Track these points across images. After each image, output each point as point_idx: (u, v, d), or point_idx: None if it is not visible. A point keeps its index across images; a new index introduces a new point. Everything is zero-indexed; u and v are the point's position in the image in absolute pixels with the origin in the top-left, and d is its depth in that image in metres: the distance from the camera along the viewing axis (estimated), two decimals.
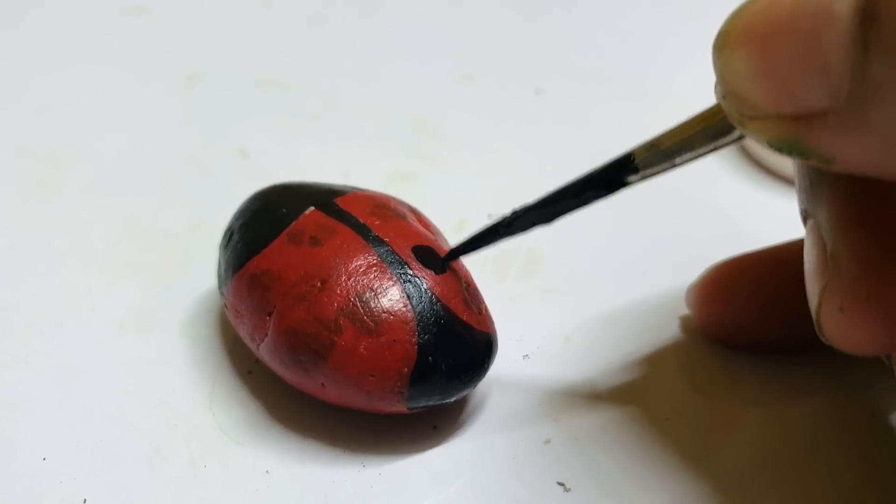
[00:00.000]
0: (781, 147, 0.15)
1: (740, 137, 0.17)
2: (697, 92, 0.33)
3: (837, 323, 0.16)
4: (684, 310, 0.24)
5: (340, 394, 0.20)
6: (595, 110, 0.33)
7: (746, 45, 0.14)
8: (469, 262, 0.22)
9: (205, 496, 0.20)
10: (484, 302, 0.21)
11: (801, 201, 0.18)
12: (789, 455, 0.20)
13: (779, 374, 0.22)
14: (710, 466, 0.20)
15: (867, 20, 0.13)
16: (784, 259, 0.21)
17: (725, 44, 0.15)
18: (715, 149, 0.17)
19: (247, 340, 0.21)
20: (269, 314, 0.20)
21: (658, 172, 0.18)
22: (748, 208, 0.28)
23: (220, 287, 0.22)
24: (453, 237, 0.23)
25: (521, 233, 0.20)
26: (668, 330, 0.24)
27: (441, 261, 0.21)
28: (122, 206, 0.28)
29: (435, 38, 0.37)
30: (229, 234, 0.22)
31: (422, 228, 0.22)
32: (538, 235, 0.26)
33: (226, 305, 0.22)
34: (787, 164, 0.28)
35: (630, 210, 0.27)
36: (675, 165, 0.18)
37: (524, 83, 0.34)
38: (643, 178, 0.18)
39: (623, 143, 0.31)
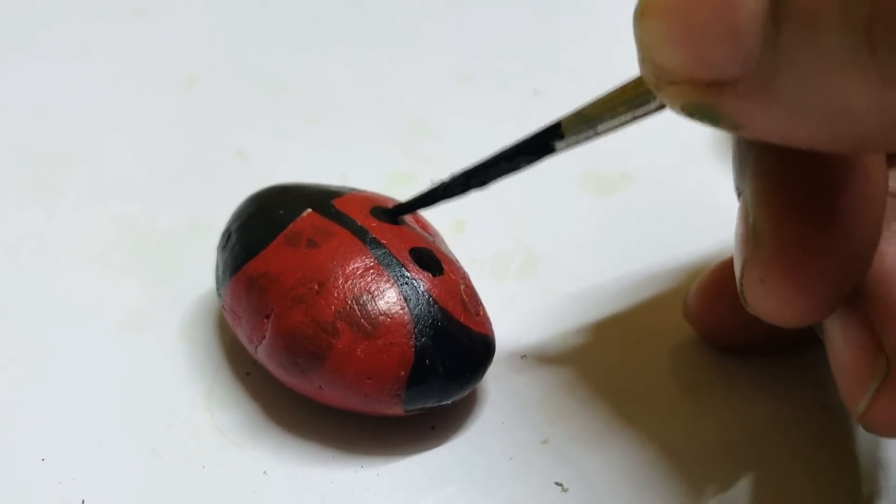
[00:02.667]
0: (693, 112, 0.15)
1: (658, 108, 0.17)
2: None
3: (759, 294, 0.17)
4: (682, 312, 0.24)
5: (338, 396, 0.20)
6: None
7: (665, 13, 0.15)
8: (467, 263, 0.22)
9: (203, 497, 0.20)
10: (482, 303, 0.21)
11: (734, 180, 0.19)
12: (786, 456, 0.21)
13: (774, 376, 0.22)
14: (706, 468, 0.20)
15: None
16: None
17: (645, 11, 0.15)
18: (636, 117, 0.18)
19: (245, 342, 0.21)
20: (267, 317, 0.20)
21: (582, 140, 0.19)
22: None
23: (218, 289, 0.22)
24: (452, 238, 0.23)
25: (459, 195, 0.22)
26: (665, 331, 0.24)
27: (390, 216, 0.22)
28: (121, 207, 0.28)
29: (433, 39, 0.37)
30: (227, 236, 0.22)
31: (419, 230, 0.22)
32: (535, 235, 0.27)
33: (224, 307, 0.22)
34: None
35: (629, 211, 0.28)
36: (598, 133, 0.19)
37: (523, 84, 0.34)
38: (568, 144, 0.20)
39: (621, 144, 0.31)
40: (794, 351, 0.22)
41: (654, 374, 0.22)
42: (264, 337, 0.20)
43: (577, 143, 0.19)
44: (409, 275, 0.20)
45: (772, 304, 0.17)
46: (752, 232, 0.17)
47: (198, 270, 0.25)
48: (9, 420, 0.21)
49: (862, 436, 0.21)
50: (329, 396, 0.20)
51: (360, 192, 0.23)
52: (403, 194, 0.24)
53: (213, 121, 0.32)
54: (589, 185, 0.29)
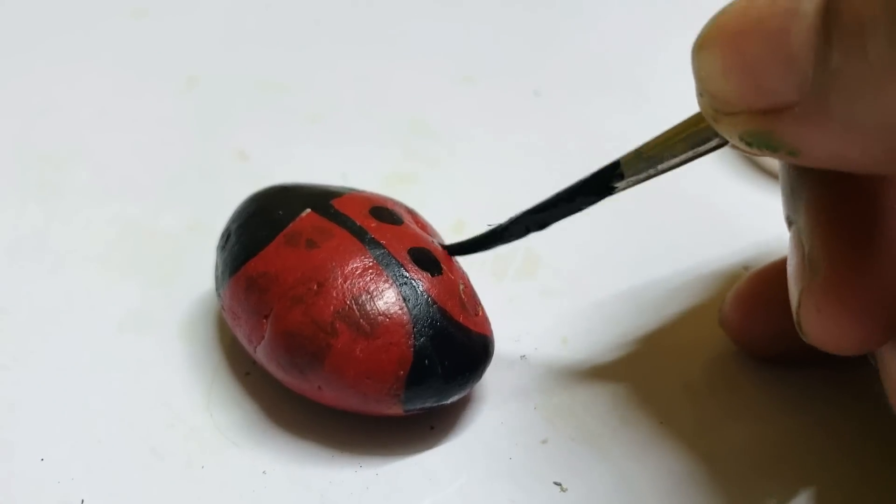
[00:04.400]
0: (752, 141, 0.16)
1: (719, 145, 0.18)
2: (694, 94, 0.33)
3: (816, 323, 0.17)
4: (682, 311, 0.24)
5: (337, 396, 0.20)
6: (594, 112, 0.33)
7: (721, 45, 0.15)
8: (467, 263, 0.22)
9: (202, 497, 0.20)
10: (481, 303, 0.21)
11: (784, 207, 0.19)
12: (785, 462, 0.20)
13: (778, 383, 0.22)
14: (705, 469, 0.20)
15: (829, 15, 0.14)
16: None
17: (702, 45, 0.16)
18: (696, 156, 0.18)
19: (244, 343, 0.21)
20: (266, 317, 0.20)
21: (643, 179, 0.19)
22: (747, 210, 0.28)
23: (217, 289, 0.22)
24: (451, 238, 0.23)
25: (517, 238, 0.21)
26: (665, 332, 0.24)
27: (439, 258, 0.21)
28: (121, 207, 0.28)
29: (434, 40, 0.37)
30: (226, 236, 0.22)
31: (419, 230, 0.22)
32: (536, 237, 0.27)
33: (223, 307, 0.22)
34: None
35: (628, 211, 0.28)
36: (659, 172, 0.19)
37: (523, 85, 0.34)
38: (629, 184, 0.20)
39: (622, 145, 0.31)
40: (829, 360, 0.22)
41: (652, 375, 0.22)
42: (263, 337, 0.20)
43: (638, 182, 0.19)
44: (408, 275, 0.20)
45: (829, 333, 0.17)
46: (808, 261, 0.17)
47: (197, 271, 0.25)
48: (8, 419, 0.21)
49: (879, 444, 0.21)
50: (328, 396, 0.20)
51: (359, 192, 0.23)
52: (403, 194, 0.24)
53: (213, 121, 0.32)
54: None
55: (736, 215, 0.28)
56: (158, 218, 0.27)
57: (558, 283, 0.25)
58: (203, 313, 0.24)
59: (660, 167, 0.19)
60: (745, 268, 0.25)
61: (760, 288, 0.22)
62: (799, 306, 0.17)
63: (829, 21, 0.14)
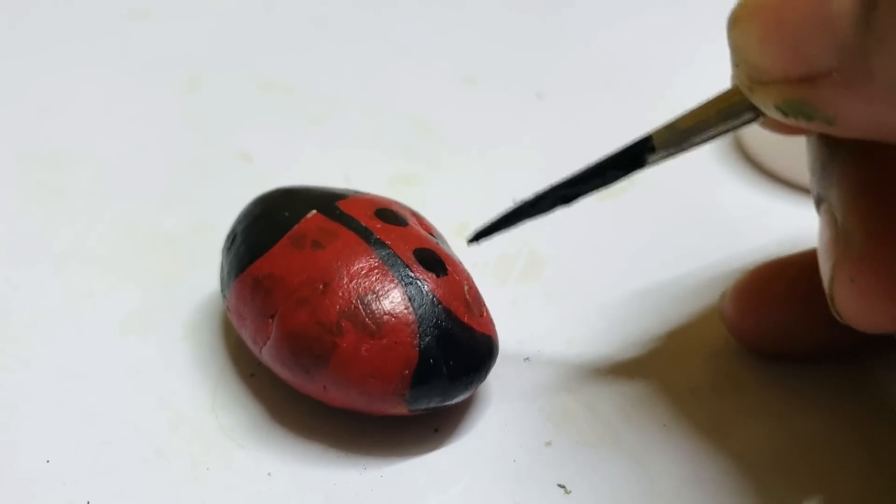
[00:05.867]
0: (788, 110, 0.15)
1: (752, 118, 0.18)
2: (699, 96, 0.33)
3: (849, 295, 0.17)
4: (685, 313, 0.24)
5: (342, 396, 0.20)
6: (596, 114, 0.33)
7: (758, 15, 0.15)
8: (470, 264, 0.22)
9: (207, 498, 0.20)
10: (485, 304, 0.21)
11: (813, 187, 0.19)
12: (792, 462, 0.20)
13: (785, 383, 0.22)
14: (710, 471, 0.20)
15: None
16: (817, 262, 0.21)
17: (739, 17, 0.16)
18: (729, 129, 0.18)
19: (249, 344, 0.21)
20: (272, 317, 0.20)
21: (675, 153, 0.19)
22: (748, 210, 0.28)
23: (222, 290, 0.22)
24: (454, 240, 0.23)
25: (543, 213, 0.21)
26: (669, 334, 0.24)
27: (468, 240, 0.21)
28: (124, 208, 0.28)
29: (436, 41, 0.37)
30: (232, 238, 0.22)
31: (423, 231, 0.22)
32: (540, 238, 0.27)
33: (228, 308, 0.22)
34: (785, 166, 0.28)
35: (631, 213, 0.28)
36: (691, 145, 0.19)
37: (526, 86, 0.34)
38: (661, 157, 0.19)
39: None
40: (833, 356, 0.22)
41: (657, 376, 0.22)
42: (269, 338, 0.20)
43: (669, 155, 0.19)
44: (413, 275, 0.20)
45: (862, 306, 0.17)
46: (843, 233, 0.17)
47: (201, 272, 0.25)
48: (13, 421, 0.21)
49: (885, 444, 0.21)
50: (333, 397, 0.20)
51: (364, 194, 0.23)
52: (406, 196, 0.24)
53: (216, 123, 0.32)
54: None
55: (738, 217, 0.28)
56: (161, 219, 0.27)
57: (562, 285, 0.25)
58: (208, 314, 0.24)
59: (692, 140, 0.19)
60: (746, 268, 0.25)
61: (760, 283, 0.22)
62: (832, 281, 0.17)
63: None
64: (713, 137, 0.18)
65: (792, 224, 0.27)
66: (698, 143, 0.19)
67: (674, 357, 0.23)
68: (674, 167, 0.30)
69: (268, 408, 0.21)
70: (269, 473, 0.20)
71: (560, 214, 0.28)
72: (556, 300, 0.25)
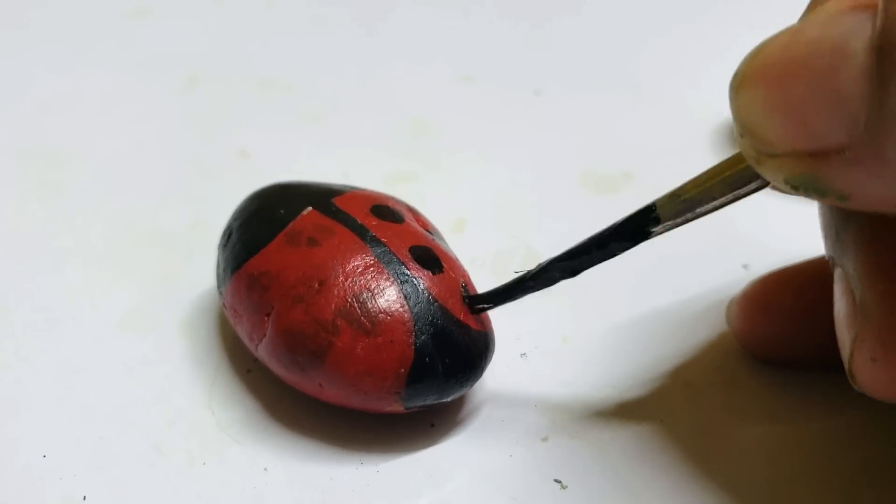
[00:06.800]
0: (798, 185, 0.15)
1: (760, 186, 0.17)
2: (696, 95, 0.33)
3: (870, 373, 0.16)
4: (682, 310, 0.24)
5: (338, 394, 0.20)
6: (594, 112, 0.33)
7: (763, 83, 0.15)
8: (467, 261, 0.22)
9: (203, 493, 0.20)
10: None
11: (827, 249, 0.18)
12: (786, 462, 0.21)
13: (779, 383, 0.22)
14: (704, 468, 0.20)
15: (882, 55, 0.13)
16: (826, 271, 0.21)
17: (742, 83, 0.15)
18: (736, 198, 0.17)
19: (245, 340, 0.21)
20: (268, 315, 0.20)
21: (681, 223, 0.18)
22: (748, 210, 0.28)
23: (218, 287, 0.22)
24: (451, 237, 0.23)
25: (547, 286, 0.20)
26: (665, 331, 0.24)
27: (468, 307, 0.21)
28: (123, 205, 0.28)
29: (435, 39, 0.37)
30: (228, 234, 0.22)
31: (420, 229, 0.22)
32: (536, 234, 0.27)
33: (225, 305, 0.22)
34: None
35: (628, 210, 0.28)
36: (697, 215, 0.18)
37: (524, 84, 0.34)
38: (665, 228, 0.19)
39: (622, 146, 0.31)
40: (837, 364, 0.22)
41: (652, 373, 0.23)
42: (265, 335, 0.20)
43: (675, 225, 0.18)
44: (408, 273, 0.20)
45: (884, 383, 0.16)
46: (861, 309, 0.16)
47: (199, 269, 0.25)
48: (11, 417, 0.21)
49: (880, 457, 0.21)
50: (329, 394, 0.20)
51: (360, 190, 0.23)
52: (404, 193, 0.24)
53: (214, 120, 0.32)
54: (590, 183, 0.29)
55: (735, 214, 0.28)
56: (160, 216, 0.28)
57: (554, 285, 0.25)
58: (204, 311, 0.24)
59: (698, 210, 0.18)
60: (745, 266, 0.25)
61: (767, 292, 0.22)
62: (851, 355, 0.16)
63: (884, 61, 0.13)
64: (720, 206, 0.18)
65: (792, 223, 0.27)
66: (704, 213, 0.18)
67: (670, 354, 0.23)
68: (673, 166, 0.30)
69: (264, 404, 0.21)
70: (265, 469, 0.20)
71: (556, 210, 0.28)
72: (552, 297, 0.25)
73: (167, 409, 0.21)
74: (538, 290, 0.21)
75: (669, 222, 0.18)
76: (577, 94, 0.34)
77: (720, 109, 0.31)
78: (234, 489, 0.20)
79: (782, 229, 0.27)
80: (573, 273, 0.20)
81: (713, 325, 0.24)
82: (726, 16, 0.38)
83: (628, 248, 0.19)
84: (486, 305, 0.21)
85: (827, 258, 0.19)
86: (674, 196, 0.18)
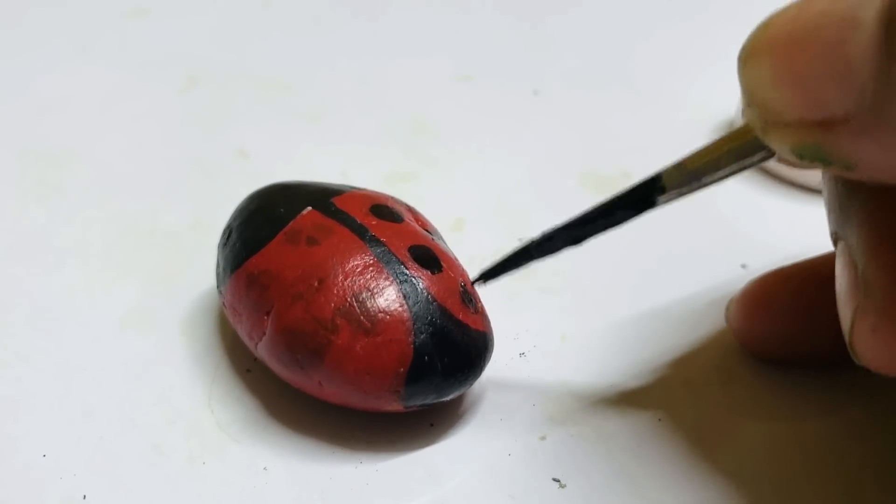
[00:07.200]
0: (804, 154, 0.15)
1: (765, 157, 0.17)
2: (695, 95, 0.33)
3: (870, 344, 0.16)
4: (680, 308, 0.24)
5: (337, 393, 0.20)
6: (593, 112, 0.33)
7: (771, 54, 0.15)
8: (466, 261, 0.22)
9: (203, 492, 0.20)
10: (480, 301, 0.22)
11: (830, 223, 0.18)
12: (785, 459, 0.21)
13: (779, 380, 0.22)
14: (703, 467, 0.20)
15: (891, 26, 0.13)
16: (824, 270, 0.21)
17: (750, 54, 0.15)
18: (741, 168, 0.18)
19: (245, 339, 0.21)
20: (267, 313, 0.20)
21: (686, 192, 0.18)
22: (746, 209, 0.28)
23: (218, 286, 0.22)
24: (451, 237, 0.24)
25: (551, 254, 0.20)
26: (664, 329, 0.24)
27: (472, 282, 0.21)
28: (122, 205, 0.28)
29: (433, 39, 0.37)
30: (227, 233, 0.22)
31: (419, 228, 0.22)
32: (535, 233, 0.27)
33: (224, 304, 0.22)
34: (785, 168, 0.28)
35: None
36: (702, 185, 0.18)
37: (523, 84, 0.34)
38: (671, 198, 0.19)
39: (621, 145, 0.31)
40: (838, 363, 0.22)
41: (651, 371, 0.23)
42: (264, 334, 0.20)
43: (680, 195, 0.19)
44: (408, 272, 0.20)
45: (884, 354, 0.16)
46: (863, 281, 0.16)
47: (198, 268, 0.25)
48: (11, 416, 0.21)
49: (881, 456, 0.21)
50: (329, 393, 0.20)
51: (359, 190, 0.23)
52: (403, 193, 0.24)
53: (214, 120, 0.32)
54: (589, 183, 0.29)
55: (736, 216, 0.28)
56: (159, 216, 0.28)
57: (557, 281, 0.25)
58: (204, 310, 0.24)
59: (703, 180, 0.18)
60: (743, 266, 0.26)
61: (767, 291, 0.22)
62: (852, 326, 0.16)
63: (892, 31, 0.13)
64: (725, 177, 0.18)
65: (792, 223, 0.27)
66: (710, 183, 0.18)
67: (669, 352, 0.23)
68: (669, 159, 0.30)
69: (264, 403, 0.22)
70: (265, 468, 0.20)
71: (555, 209, 0.28)
72: (551, 296, 0.25)
73: (167, 409, 0.21)
74: (541, 258, 0.20)
75: (675, 191, 0.19)
76: (576, 93, 0.34)
77: (719, 108, 0.31)
78: (233, 489, 0.20)
79: (781, 229, 0.27)
80: (576, 241, 0.20)
81: (712, 324, 0.24)
82: (725, 15, 0.38)
83: (633, 216, 0.19)
84: (488, 278, 0.21)
85: (830, 233, 0.19)
86: (680, 166, 0.18)
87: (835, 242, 0.18)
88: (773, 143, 0.15)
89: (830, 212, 0.19)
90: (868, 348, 0.16)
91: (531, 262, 0.21)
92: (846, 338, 0.17)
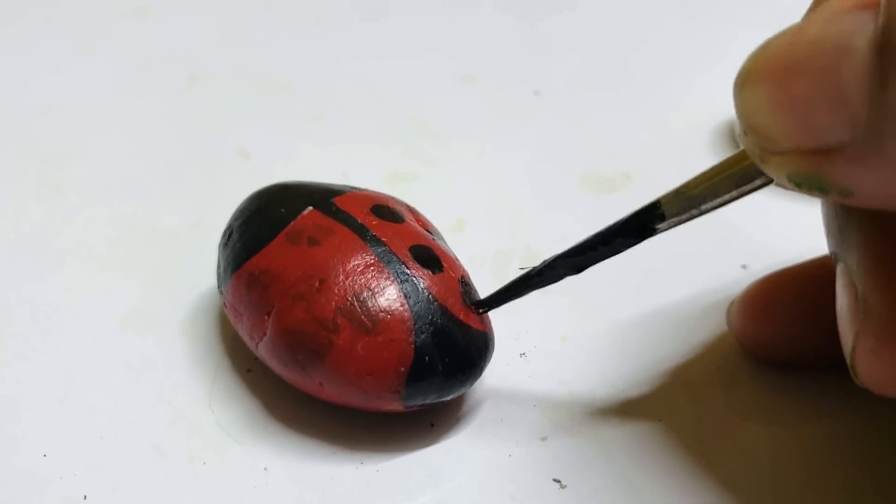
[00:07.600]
0: (801, 182, 0.15)
1: (765, 183, 0.17)
2: (695, 96, 0.33)
3: (871, 367, 0.16)
4: (681, 309, 0.24)
5: (338, 393, 0.20)
6: (593, 112, 0.33)
7: (767, 81, 0.15)
8: (467, 261, 0.22)
9: (204, 493, 0.20)
10: None
11: (830, 245, 0.18)
12: (784, 462, 0.21)
13: (779, 382, 0.22)
14: (704, 469, 0.20)
15: (884, 53, 0.13)
16: (826, 272, 0.21)
17: (746, 81, 0.15)
18: (740, 195, 0.17)
19: (246, 339, 0.21)
20: (268, 313, 0.20)
21: (685, 219, 0.18)
22: (748, 210, 0.28)
23: (219, 286, 0.22)
24: (451, 237, 0.24)
25: (552, 282, 0.20)
26: (664, 330, 0.24)
27: (473, 308, 0.21)
28: (123, 205, 0.28)
29: (434, 39, 0.37)
30: (228, 234, 0.22)
31: (420, 228, 0.22)
32: (536, 234, 0.27)
33: (225, 304, 0.22)
34: None
35: (627, 210, 0.28)
36: (701, 212, 0.18)
37: (523, 84, 0.34)
38: (670, 225, 0.19)
39: (621, 145, 0.31)
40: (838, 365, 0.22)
41: (651, 372, 0.23)
42: (265, 334, 0.20)
43: (679, 222, 0.19)
44: (409, 272, 0.20)
45: (885, 377, 0.16)
46: (863, 303, 0.16)
47: (199, 268, 0.25)
48: (11, 416, 0.21)
49: (878, 458, 0.21)
50: (329, 393, 0.20)
51: (360, 190, 0.23)
52: (404, 193, 0.24)
53: (214, 120, 0.32)
54: (589, 183, 0.29)
55: (735, 214, 0.28)
56: (160, 216, 0.28)
57: (558, 282, 0.25)
58: (205, 310, 0.24)
59: (702, 207, 0.18)
60: (744, 267, 0.25)
61: (768, 293, 0.22)
62: (853, 349, 0.16)
63: (885, 59, 0.13)
64: (725, 203, 0.18)
65: (792, 223, 0.27)
66: (709, 210, 0.18)
67: (669, 354, 0.23)
68: (672, 166, 0.30)
69: (264, 403, 0.22)
70: (265, 468, 0.20)
71: (555, 210, 0.28)
72: (552, 296, 0.25)
73: (167, 409, 0.21)
74: (543, 286, 0.21)
75: (674, 219, 0.19)
76: (577, 94, 0.34)
77: (719, 110, 0.31)
78: (234, 489, 0.20)
79: (782, 230, 0.27)
80: (578, 270, 0.20)
81: (713, 326, 0.24)
82: (725, 15, 0.38)
83: (633, 244, 0.19)
84: (490, 306, 0.21)
85: (829, 254, 0.19)
86: (678, 193, 0.18)
87: (835, 263, 0.18)
88: (771, 170, 0.16)
89: (829, 234, 0.18)
90: (869, 371, 0.16)
91: (532, 290, 0.21)
92: (847, 360, 0.17)
